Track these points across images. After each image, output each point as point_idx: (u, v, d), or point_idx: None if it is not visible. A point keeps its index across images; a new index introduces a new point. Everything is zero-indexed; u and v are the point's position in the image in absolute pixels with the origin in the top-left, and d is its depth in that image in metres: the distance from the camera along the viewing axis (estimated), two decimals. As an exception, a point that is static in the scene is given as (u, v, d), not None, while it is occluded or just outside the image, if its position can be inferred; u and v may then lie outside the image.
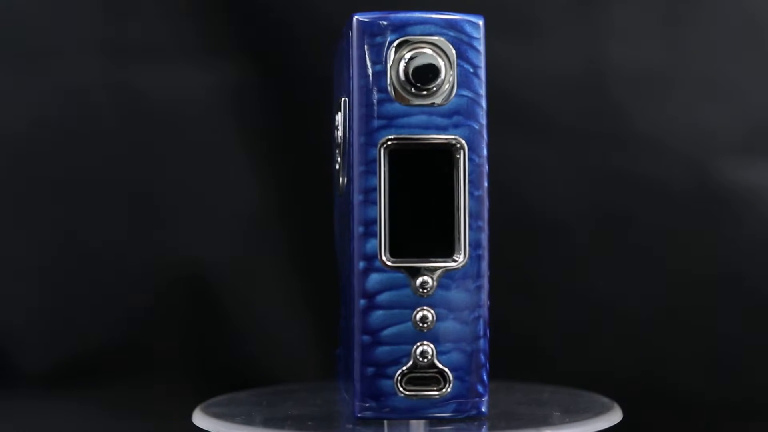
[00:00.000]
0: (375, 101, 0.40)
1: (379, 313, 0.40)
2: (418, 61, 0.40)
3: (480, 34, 0.40)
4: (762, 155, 0.64)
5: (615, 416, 0.43)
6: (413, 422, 0.41)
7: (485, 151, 0.40)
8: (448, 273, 0.40)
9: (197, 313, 0.67)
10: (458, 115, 0.40)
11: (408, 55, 0.40)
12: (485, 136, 0.40)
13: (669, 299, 0.63)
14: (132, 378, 0.64)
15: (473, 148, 0.40)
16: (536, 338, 0.64)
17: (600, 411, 0.44)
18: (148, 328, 0.66)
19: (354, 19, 0.40)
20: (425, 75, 0.40)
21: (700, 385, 0.61)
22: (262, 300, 0.66)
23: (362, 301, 0.40)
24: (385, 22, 0.40)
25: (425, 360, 0.40)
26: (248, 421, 0.42)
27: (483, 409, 0.40)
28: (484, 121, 0.40)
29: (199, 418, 0.43)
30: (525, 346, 0.64)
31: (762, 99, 0.64)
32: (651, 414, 0.57)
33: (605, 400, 0.46)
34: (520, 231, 0.65)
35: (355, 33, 0.40)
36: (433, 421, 0.41)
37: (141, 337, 0.66)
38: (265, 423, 0.42)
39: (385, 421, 0.41)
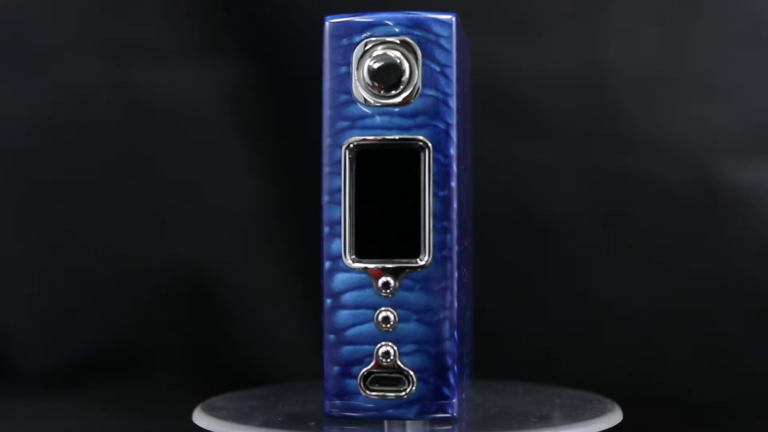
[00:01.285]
0: (340, 102, 0.41)
1: (344, 312, 0.40)
2: (380, 63, 0.40)
3: (449, 32, 0.40)
4: (762, 155, 0.64)
5: (615, 417, 0.43)
6: (409, 423, 0.41)
7: (452, 151, 0.40)
8: (411, 274, 0.40)
9: (197, 313, 0.67)
10: (423, 115, 0.40)
11: (371, 57, 0.40)
12: (454, 135, 0.40)
13: (669, 299, 0.63)
14: (132, 378, 0.64)
15: (438, 148, 0.40)
16: (536, 338, 0.64)
17: (600, 411, 0.44)
18: (148, 328, 0.66)
19: (325, 22, 0.41)
20: (386, 76, 0.40)
21: (700, 385, 0.61)
22: (262, 300, 0.66)
23: (328, 301, 0.41)
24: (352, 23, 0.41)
25: (388, 360, 0.40)
26: (248, 421, 0.42)
27: (450, 412, 0.40)
28: (452, 120, 0.40)
29: (199, 418, 0.43)
30: (525, 346, 0.64)
31: (762, 99, 0.64)
32: (651, 414, 0.57)
33: (605, 400, 0.46)
34: (520, 231, 0.65)
35: (325, 35, 0.41)
36: (434, 422, 0.41)
37: (141, 337, 0.66)
38: (263, 423, 0.42)
39: (385, 422, 0.41)
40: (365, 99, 0.40)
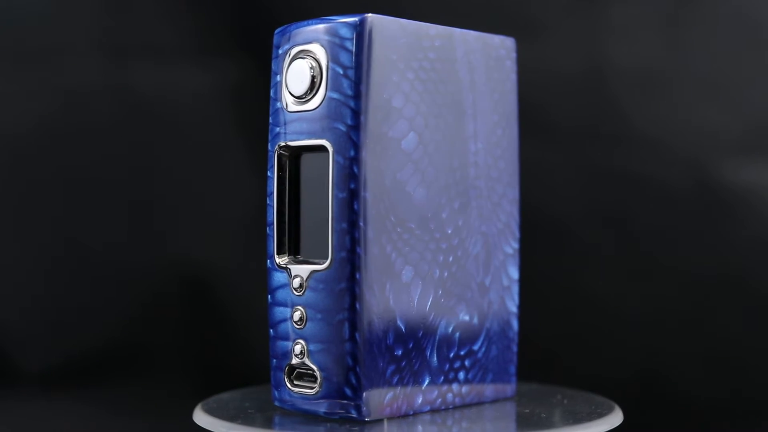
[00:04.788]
0: (275, 109, 0.42)
1: (276, 309, 0.42)
2: (292, 70, 0.41)
3: (353, 35, 0.40)
4: (762, 155, 0.64)
5: (615, 418, 0.43)
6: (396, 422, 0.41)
7: (353, 153, 0.40)
8: (316, 275, 0.40)
9: (197, 313, 0.67)
10: (327, 118, 0.40)
11: (292, 65, 0.41)
12: (355, 137, 0.40)
13: (669, 299, 0.63)
14: (132, 378, 0.64)
15: (339, 150, 0.40)
16: (536, 338, 0.64)
17: (600, 412, 0.44)
18: (148, 328, 0.66)
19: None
20: (297, 83, 0.41)
21: (700, 385, 0.61)
22: (262, 300, 0.66)
23: (269, 297, 0.42)
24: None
25: (301, 357, 0.41)
26: (248, 421, 0.42)
27: (353, 413, 0.40)
28: (354, 122, 0.40)
29: (199, 417, 0.43)
30: (525, 346, 0.64)
31: (762, 99, 0.64)
32: (651, 414, 0.57)
33: (605, 400, 0.46)
34: (520, 230, 0.65)
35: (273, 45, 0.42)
36: (435, 420, 0.41)
37: (141, 337, 0.66)
38: (263, 423, 0.42)
39: (385, 420, 0.41)
40: (288, 105, 0.41)
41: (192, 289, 0.66)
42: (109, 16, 0.67)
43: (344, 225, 0.40)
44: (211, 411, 0.44)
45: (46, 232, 0.67)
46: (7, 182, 0.67)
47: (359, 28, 0.40)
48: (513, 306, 0.47)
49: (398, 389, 0.41)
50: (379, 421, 0.41)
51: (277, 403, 0.43)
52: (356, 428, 0.40)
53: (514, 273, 0.46)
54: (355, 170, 0.40)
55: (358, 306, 0.40)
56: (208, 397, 0.47)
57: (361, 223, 0.40)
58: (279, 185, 0.42)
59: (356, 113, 0.40)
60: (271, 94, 0.42)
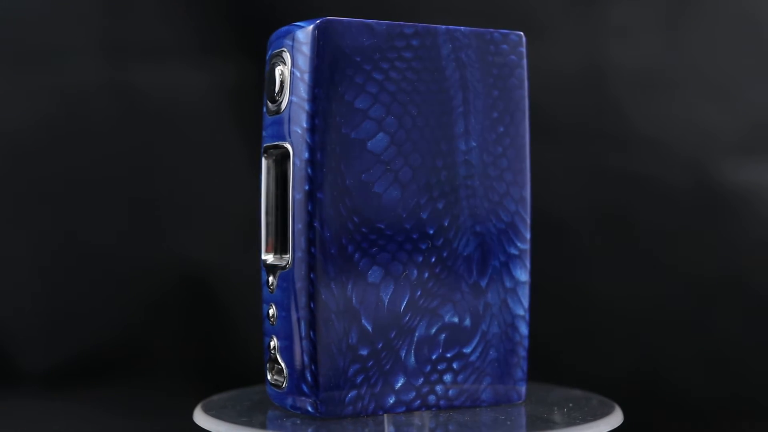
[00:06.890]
0: (264, 112, 0.43)
1: (264, 305, 0.43)
2: (268, 75, 0.42)
3: (309, 39, 0.40)
4: (762, 155, 0.64)
5: (615, 418, 0.43)
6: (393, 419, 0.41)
7: (307, 155, 0.40)
8: (281, 273, 0.41)
9: (197, 313, 0.67)
10: (290, 121, 0.41)
11: (268, 69, 0.42)
12: (310, 139, 0.40)
13: (669, 299, 0.63)
14: (132, 378, 0.64)
15: (296, 152, 0.40)
16: (536, 338, 0.64)
17: (600, 412, 0.44)
18: (148, 328, 0.66)
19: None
20: (270, 88, 0.42)
21: (700, 385, 0.61)
22: (261, 299, 0.66)
23: (262, 294, 0.43)
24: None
25: (274, 353, 0.42)
26: (248, 421, 0.42)
27: (310, 409, 0.41)
28: (308, 124, 0.40)
29: (199, 417, 0.43)
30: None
31: (762, 99, 0.64)
32: (651, 414, 0.57)
33: (605, 400, 0.46)
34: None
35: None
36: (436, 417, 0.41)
37: (141, 337, 0.66)
38: (263, 423, 0.42)
39: (385, 415, 0.41)
40: (268, 109, 0.42)
41: (192, 289, 0.66)
42: (109, 16, 0.67)
43: (300, 225, 0.40)
44: (210, 411, 0.44)
45: (46, 232, 0.67)
46: (8, 182, 0.67)
47: (314, 33, 0.40)
48: (520, 309, 0.45)
49: (363, 389, 0.41)
50: (342, 418, 0.41)
51: (268, 398, 0.43)
52: (361, 426, 0.40)
53: (521, 275, 0.44)
54: (310, 172, 0.40)
55: (312, 305, 0.40)
56: (208, 397, 0.47)
57: (316, 224, 0.40)
58: (266, 186, 0.42)
59: (311, 116, 0.40)
60: (264, 98, 0.43)
